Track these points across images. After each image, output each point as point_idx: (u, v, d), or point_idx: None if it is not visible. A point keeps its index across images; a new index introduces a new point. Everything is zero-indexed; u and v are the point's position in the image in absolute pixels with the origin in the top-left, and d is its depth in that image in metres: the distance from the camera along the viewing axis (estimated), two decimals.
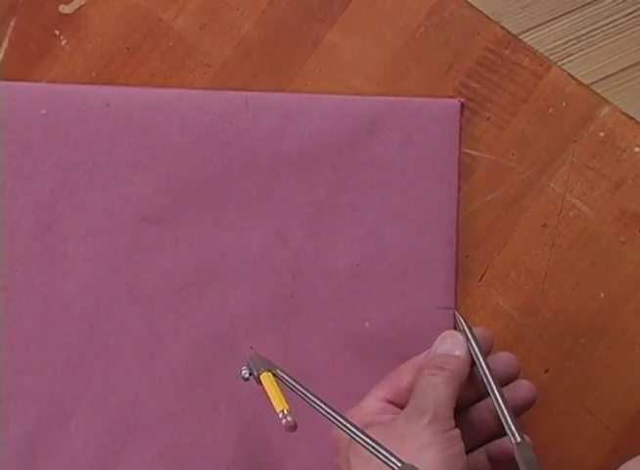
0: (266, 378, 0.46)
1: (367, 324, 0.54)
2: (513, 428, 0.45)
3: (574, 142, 0.56)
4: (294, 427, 0.44)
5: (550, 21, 1.25)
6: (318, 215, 0.54)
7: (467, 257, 0.55)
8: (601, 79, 1.23)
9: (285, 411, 0.44)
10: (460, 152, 0.55)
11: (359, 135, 0.55)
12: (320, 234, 0.54)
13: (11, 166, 0.53)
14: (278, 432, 0.52)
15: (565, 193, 0.55)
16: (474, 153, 0.56)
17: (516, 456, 0.45)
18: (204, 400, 0.52)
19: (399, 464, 0.41)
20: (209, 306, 0.53)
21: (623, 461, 0.54)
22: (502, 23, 0.57)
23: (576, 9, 1.25)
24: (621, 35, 1.25)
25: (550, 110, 0.56)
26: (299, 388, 0.46)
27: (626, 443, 0.54)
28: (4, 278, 0.52)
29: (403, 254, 0.54)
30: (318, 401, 0.46)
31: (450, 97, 0.56)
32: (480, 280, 0.55)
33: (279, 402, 0.45)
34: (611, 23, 1.25)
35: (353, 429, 0.44)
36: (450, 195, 0.54)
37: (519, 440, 0.45)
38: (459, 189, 0.55)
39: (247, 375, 0.47)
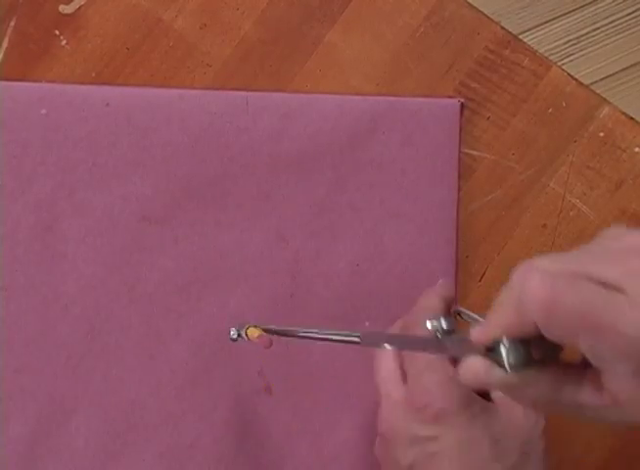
0: (253, 330, 0.47)
1: (367, 324, 0.54)
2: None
3: (574, 142, 0.56)
4: (269, 343, 0.46)
5: (550, 21, 1.25)
6: (318, 215, 0.54)
7: (467, 257, 0.55)
8: (601, 79, 1.23)
9: (263, 334, 0.46)
10: (460, 152, 0.55)
11: (359, 135, 0.55)
12: (320, 234, 0.54)
13: (11, 166, 0.53)
14: (278, 432, 0.52)
15: (565, 193, 0.55)
16: (474, 153, 0.56)
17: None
18: (203, 400, 0.52)
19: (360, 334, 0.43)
20: (209, 306, 0.53)
21: (623, 461, 0.55)
22: (502, 24, 0.57)
23: (576, 9, 1.25)
24: (621, 35, 1.25)
25: (550, 110, 0.56)
26: (290, 329, 0.47)
27: (626, 443, 0.54)
28: (4, 278, 0.52)
29: (403, 254, 0.54)
30: (309, 331, 0.47)
31: (450, 97, 0.56)
32: (480, 280, 0.55)
33: (257, 332, 0.46)
34: (611, 23, 1.25)
35: (347, 333, 0.45)
36: (450, 195, 0.54)
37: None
38: (459, 189, 0.55)
39: (235, 336, 0.48)
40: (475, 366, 0.39)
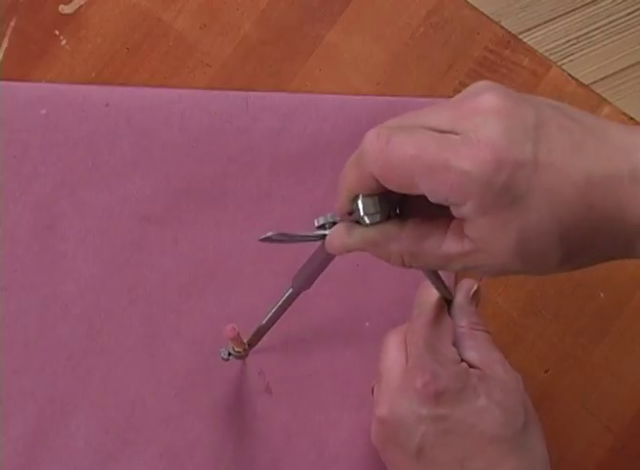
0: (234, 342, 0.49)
1: (367, 324, 0.54)
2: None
3: None
4: (233, 333, 0.48)
5: (550, 21, 1.25)
6: (318, 215, 0.54)
7: None
8: (601, 79, 1.23)
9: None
10: None
11: (359, 135, 0.54)
12: None
13: (11, 166, 0.53)
14: (278, 432, 0.52)
15: None
16: None
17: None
18: (203, 400, 0.52)
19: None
20: (209, 306, 0.53)
21: (623, 461, 0.55)
22: (502, 23, 0.57)
23: (576, 9, 1.25)
24: (621, 35, 1.25)
25: None
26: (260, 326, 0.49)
27: (626, 443, 0.54)
28: (4, 278, 0.52)
29: None
30: (268, 314, 0.49)
31: (450, 97, 0.56)
32: (480, 280, 0.55)
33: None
34: (610, 23, 1.25)
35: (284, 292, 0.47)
36: None
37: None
38: None
39: (226, 355, 0.50)
40: (337, 231, 0.40)
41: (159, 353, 0.53)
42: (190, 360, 0.53)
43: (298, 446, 0.52)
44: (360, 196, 0.38)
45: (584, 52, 1.24)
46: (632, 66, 1.24)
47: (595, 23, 1.25)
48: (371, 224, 0.38)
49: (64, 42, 0.56)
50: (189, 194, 0.54)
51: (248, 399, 0.53)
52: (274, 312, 0.48)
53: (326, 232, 0.42)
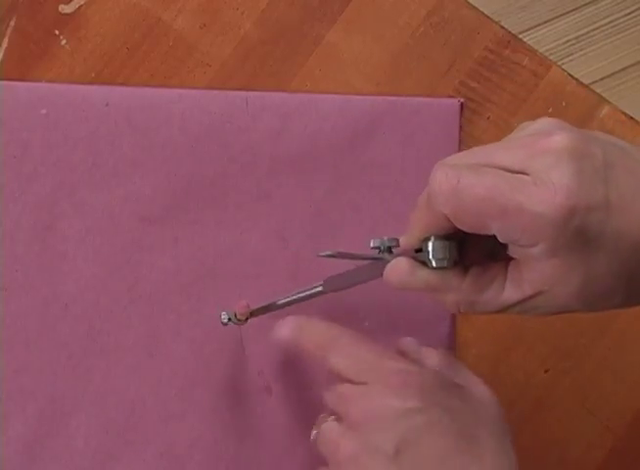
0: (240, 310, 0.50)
1: (367, 324, 0.54)
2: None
3: None
4: (245, 308, 0.50)
5: (550, 20, 1.25)
6: (318, 215, 0.54)
7: None
8: (601, 79, 1.23)
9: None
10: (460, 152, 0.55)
11: (359, 135, 0.55)
12: (320, 234, 0.54)
13: (11, 166, 0.53)
14: (278, 432, 0.52)
15: None
16: None
17: None
18: (203, 400, 0.52)
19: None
20: (209, 306, 0.53)
21: (623, 461, 0.55)
22: (502, 23, 0.57)
23: (576, 9, 1.25)
24: (621, 35, 1.25)
25: (550, 110, 0.56)
26: (269, 304, 0.50)
27: (626, 443, 0.54)
28: (4, 278, 0.52)
29: None
30: (282, 298, 0.49)
31: (450, 97, 0.56)
32: None
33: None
34: (610, 22, 1.25)
35: (312, 286, 0.47)
36: None
37: None
38: None
39: (225, 320, 0.50)
40: (399, 266, 0.39)
41: (159, 353, 0.53)
42: (190, 360, 0.53)
43: (298, 446, 0.52)
44: (432, 238, 0.38)
45: (584, 52, 1.24)
46: (632, 66, 1.24)
47: (595, 22, 1.25)
48: (436, 268, 0.38)
49: (64, 42, 0.56)
50: (189, 194, 0.54)
51: (248, 399, 0.53)
52: (291, 300, 0.49)
53: (381, 256, 0.41)
